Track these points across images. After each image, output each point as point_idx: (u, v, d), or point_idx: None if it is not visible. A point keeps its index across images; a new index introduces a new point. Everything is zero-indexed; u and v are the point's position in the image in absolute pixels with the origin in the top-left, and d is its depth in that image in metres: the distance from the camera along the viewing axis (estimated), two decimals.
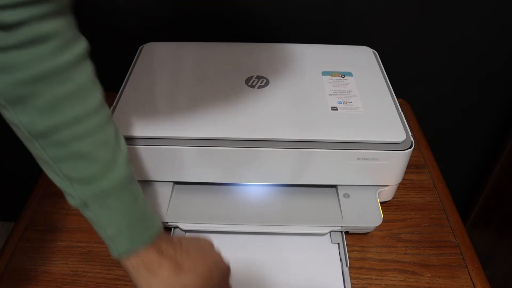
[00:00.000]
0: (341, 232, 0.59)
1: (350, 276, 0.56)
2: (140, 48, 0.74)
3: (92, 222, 0.41)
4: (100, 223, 0.40)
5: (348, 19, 0.84)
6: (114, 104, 0.61)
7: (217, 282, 0.44)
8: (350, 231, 0.60)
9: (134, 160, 0.58)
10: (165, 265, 0.41)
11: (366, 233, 0.62)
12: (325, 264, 0.57)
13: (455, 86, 0.94)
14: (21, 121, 0.35)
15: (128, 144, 0.56)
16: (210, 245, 0.47)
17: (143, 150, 0.57)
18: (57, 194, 0.66)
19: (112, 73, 0.77)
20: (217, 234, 0.60)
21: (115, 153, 0.39)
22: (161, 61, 0.70)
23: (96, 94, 0.38)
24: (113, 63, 0.82)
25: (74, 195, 0.39)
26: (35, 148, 0.37)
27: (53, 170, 0.38)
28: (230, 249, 0.59)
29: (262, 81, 0.65)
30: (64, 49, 0.35)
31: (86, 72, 0.37)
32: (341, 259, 0.57)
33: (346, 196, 0.61)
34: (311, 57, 0.71)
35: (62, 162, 0.37)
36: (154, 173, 0.60)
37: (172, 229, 0.60)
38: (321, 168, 0.58)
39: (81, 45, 0.37)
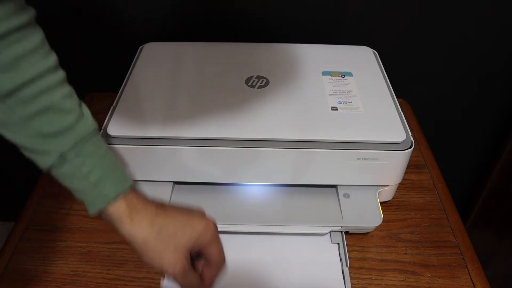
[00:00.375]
0: (341, 232, 0.59)
1: (350, 276, 0.56)
2: (140, 48, 0.74)
3: (73, 174, 0.40)
4: (81, 173, 0.40)
5: (348, 19, 0.84)
6: (114, 104, 0.61)
7: (200, 231, 0.43)
8: (350, 231, 0.60)
9: (134, 160, 0.58)
10: (151, 204, 0.43)
11: (366, 233, 0.62)
12: (325, 264, 0.57)
13: (455, 86, 0.94)
14: None
15: (128, 144, 0.56)
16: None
17: (143, 150, 0.57)
18: (57, 194, 0.67)
19: (112, 73, 0.77)
20: None
21: (80, 104, 0.41)
22: (161, 61, 0.70)
23: (53, 54, 0.40)
24: (113, 63, 0.82)
25: (50, 150, 0.39)
26: (3, 111, 0.37)
27: (25, 132, 0.39)
28: (230, 249, 0.59)
29: (262, 81, 0.65)
30: (19, 11, 0.37)
31: (40, 33, 0.39)
32: (341, 259, 0.57)
33: (346, 196, 0.61)
34: (311, 57, 0.71)
35: (33, 118, 0.38)
36: (154, 173, 0.60)
37: None
38: (321, 168, 0.58)
39: (32, 9, 0.39)
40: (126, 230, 0.41)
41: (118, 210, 0.41)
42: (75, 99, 0.41)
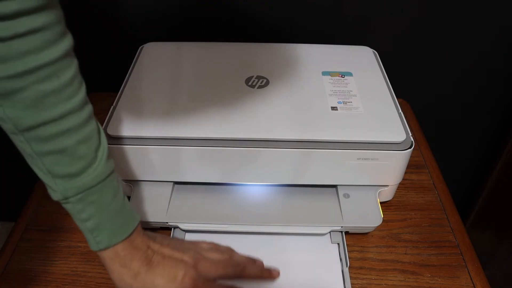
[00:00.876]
0: (341, 232, 0.59)
1: (350, 276, 0.56)
2: (140, 48, 0.74)
3: (72, 215, 0.42)
4: (80, 217, 0.41)
5: (348, 19, 0.84)
6: (114, 104, 0.61)
7: (189, 283, 0.44)
8: (350, 231, 0.60)
9: (134, 160, 0.58)
10: (137, 258, 0.43)
11: (366, 233, 0.62)
12: (325, 264, 0.57)
13: (455, 86, 0.94)
14: (8, 114, 0.35)
15: (128, 144, 0.56)
16: (188, 243, 0.49)
17: (143, 150, 0.57)
18: None
19: (112, 73, 0.77)
20: (217, 234, 0.60)
21: (97, 149, 0.40)
22: (161, 61, 0.70)
23: (81, 91, 0.39)
24: (113, 63, 0.82)
25: (55, 189, 0.40)
26: (20, 142, 0.37)
27: (36, 164, 0.39)
28: None
29: (262, 81, 0.65)
30: (52, 44, 0.35)
31: (72, 69, 0.37)
32: (341, 259, 0.57)
33: (346, 196, 0.61)
34: (311, 57, 0.71)
35: (46, 156, 0.38)
36: (154, 173, 0.60)
37: (172, 229, 0.60)
38: (321, 168, 0.58)
39: (68, 41, 0.37)
40: (111, 275, 0.44)
41: (107, 255, 0.43)
42: (92, 143, 0.40)
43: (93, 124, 0.40)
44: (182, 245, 0.48)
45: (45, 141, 0.37)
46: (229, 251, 0.52)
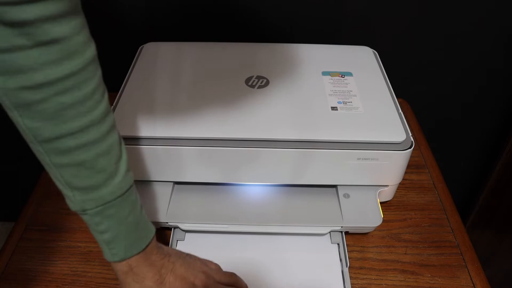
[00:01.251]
0: (341, 232, 0.59)
1: (350, 276, 0.56)
2: (140, 48, 0.74)
3: (89, 226, 0.41)
4: (97, 228, 0.40)
5: (348, 19, 0.84)
6: (114, 104, 0.61)
7: None
8: (350, 231, 0.60)
9: (134, 160, 0.58)
10: (150, 276, 0.43)
11: (366, 233, 0.62)
12: (325, 264, 0.57)
13: (455, 86, 0.94)
14: (27, 125, 0.34)
15: (128, 144, 0.56)
16: (200, 264, 0.48)
17: (143, 150, 0.57)
18: (57, 194, 0.66)
19: (112, 73, 0.77)
20: (217, 234, 0.60)
21: (117, 162, 0.39)
22: (161, 61, 0.70)
23: (103, 102, 0.37)
24: (113, 63, 0.82)
25: (73, 200, 0.39)
26: (39, 152, 0.37)
27: (54, 175, 0.38)
28: (230, 249, 0.59)
29: (262, 81, 0.65)
30: (75, 54, 0.33)
31: (95, 79, 0.36)
32: (341, 259, 0.57)
33: (346, 196, 0.61)
34: (311, 57, 0.71)
35: (64, 168, 0.37)
36: (154, 173, 0.60)
37: (172, 229, 0.60)
38: (321, 168, 0.58)
39: (91, 50, 0.35)
40: (121, 286, 0.44)
41: (121, 269, 0.43)
42: (113, 155, 0.38)
43: (114, 136, 0.39)
44: (195, 266, 0.47)
45: (63, 153, 0.36)
46: (234, 275, 0.52)
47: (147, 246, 0.43)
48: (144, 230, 0.44)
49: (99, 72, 0.36)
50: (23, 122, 0.34)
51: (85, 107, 0.35)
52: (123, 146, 0.41)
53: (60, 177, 0.38)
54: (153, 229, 0.45)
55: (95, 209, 0.39)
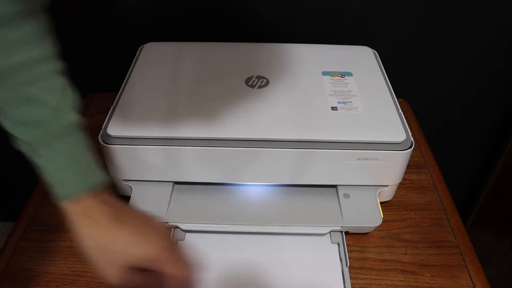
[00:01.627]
0: (341, 232, 0.59)
1: (350, 276, 0.56)
2: (140, 48, 0.74)
3: (41, 168, 0.42)
4: (47, 167, 0.41)
5: (348, 19, 0.84)
6: (114, 104, 0.61)
7: (154, 242, 0.43)
8: (350, 231, 0.60)
9: (134, 160, 0.58)
10: (106, 214, 0.42)
11: (366, 233, 0.62)
12: (325, 264, 0.57)
13: (455, 86, 0.94)
14: None
15: (128, 144, 0.56)
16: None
17: (143, 150, 0.57)
18: None
19: (112, 73, 0.77)
20: (217, 234, 0.60)
21: (62, 100, 0.41)
22: (161, 61, 0.70)
23: (46, 45, 0.40)
24: (113, 63, 0.82)
25: (23, 138, 0.40)
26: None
27: (4, 114, 0.40)
28: (230, 249, 0.59)
29: (262, 81, 0.65)
30: None
31: (38, 23, 0.39)
32: (341, 259, 0.57)
33: (346, 196, 0.61)
34: (311, 57, 0.71)
35: (12, 104, 0.39)
36: (154, 173, 0.60)
37: (172, 229, 0.60)
38: (321, 168, 0.58)
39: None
40: (75, 231, 0.43)
41: (72, 210, 0.42)
42: (58, 94, 0.41)
43: (59, 79, 0.41)
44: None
45: (10, 88, 0.39)
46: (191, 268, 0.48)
47: (98, 187, 0.43)
48: (95, 171, 0.44)
49: (44, 20, 0.40)
50: None
51: (29, 45, 0.39)
52: (71, 92, 0.43)
53: (9, 115, 0.40)
54: (104, 178, 0.44)
55: (44, 143, 0.41)
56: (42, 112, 0.40)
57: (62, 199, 0.42)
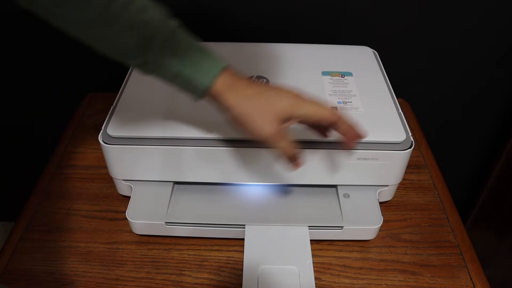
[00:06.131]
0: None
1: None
2: None
3: (176, 76, 0.47)
4: (182, 69, 0.47)
5: (348, 19, 0.84)
6: (114, 104, 0.61)
7: (288, 99, 0.48)
8: (351, 238, 0.60)
9: (134, 160, 0.58)
10: (247, 83, 0.48)
11: (368, 240, 0.62)
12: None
13: (455, 86, 0.94)
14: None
15: (128, 144, 0.56)
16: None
17: (143, 150, 0.57)
18: (57, 194, 0.67)
19: (112, 73, 0.77)
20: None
21: (163, 14, 0.48)
22: None
23: None
24: (113, 63, 0.82)
25: (156, 37, 0.46)
26: (116, 8, 0.42)
27: (118, 41, 0.47)
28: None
29: (262, 81, 0.65)
30: None
31: None
32: None
33: (346, 196, 0.61)
34: (311, 57, 0.71)
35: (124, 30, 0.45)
36: (154, 173, 0.60)
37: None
38: (321, 168, 0.58)
39: None
40: (229, 104, 0.47)
41: (222, 86, 0.47)
42: (159, 10, 0.47)
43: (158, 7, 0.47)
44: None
45: (116, 17, 0.43)
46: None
47: (226, 66, 0.48)
48: (215, 57, 0.48)
49: None
50: None
51: None
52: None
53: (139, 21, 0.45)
54: (225, 60, 0.49)
55: (172, 35, 0.47)
56: (157, 14, 0.46)
57: (209, 84, 0.47)
